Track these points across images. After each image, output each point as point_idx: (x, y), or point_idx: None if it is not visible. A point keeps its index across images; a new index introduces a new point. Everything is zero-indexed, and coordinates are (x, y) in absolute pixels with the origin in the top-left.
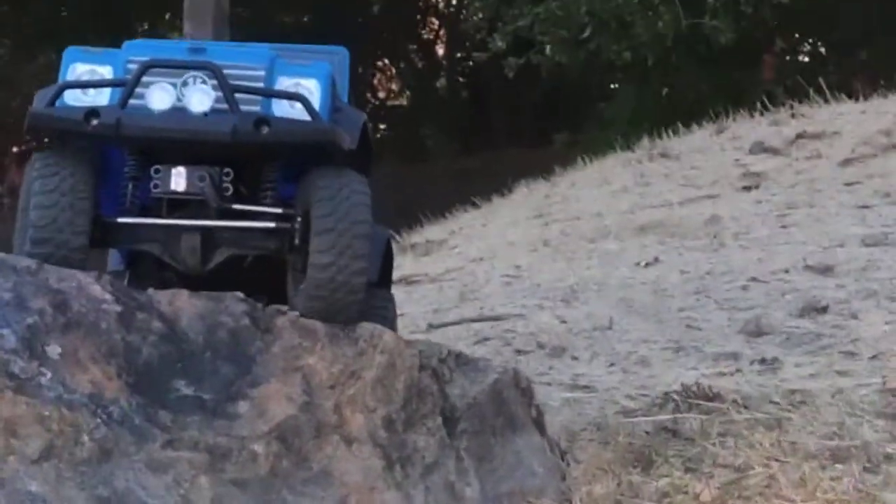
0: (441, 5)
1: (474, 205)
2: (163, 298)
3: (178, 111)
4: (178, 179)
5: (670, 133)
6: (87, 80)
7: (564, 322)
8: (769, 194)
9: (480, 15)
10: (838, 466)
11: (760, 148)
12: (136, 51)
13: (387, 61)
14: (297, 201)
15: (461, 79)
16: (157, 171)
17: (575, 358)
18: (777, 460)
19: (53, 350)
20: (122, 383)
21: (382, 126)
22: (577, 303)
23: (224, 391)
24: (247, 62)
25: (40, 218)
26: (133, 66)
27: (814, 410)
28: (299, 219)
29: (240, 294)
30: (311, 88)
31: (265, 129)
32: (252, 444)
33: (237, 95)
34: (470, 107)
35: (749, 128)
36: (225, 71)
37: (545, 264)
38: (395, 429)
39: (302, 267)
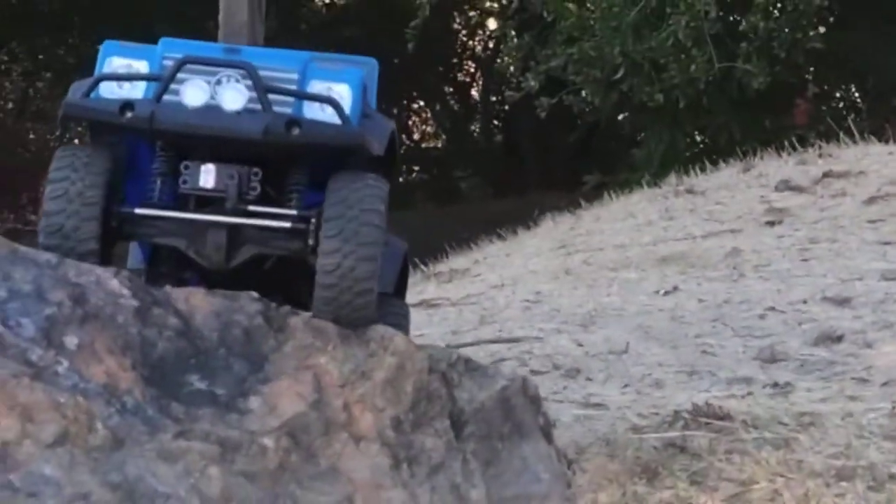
0: (478, 49)
1: (500, 237)
2: (179, 295)
3: (212, 108)
4: (207, 176)
5: (697, 171)
6: (122, 73)
7: (581, 345)
8: (792, 229)
9: (515, 54)
10: (843, 484)
11: (786, 186)
12: (173, 48)
13: (422, 103)
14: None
15: (496, 122)
16: (186, 168)
17: (589, 379)
18: (782, 476)
19: (71, 341)
20: (136, 375)
21: (416, 168)
22: (594, 327)
23: (236, 387)
24: (281, 65)
25: (47, 225)
26: (169, 63)
27: (822, 432)
28: (314, 220)
29: (254, 294)
30: (343, 93)
31: (296, 131)
32: (262, 438)
33: (270, 96)
34: (503, 151)
35: (776, 167)
36: (259, 72)
37: (565, 291)
38: (403, 429)
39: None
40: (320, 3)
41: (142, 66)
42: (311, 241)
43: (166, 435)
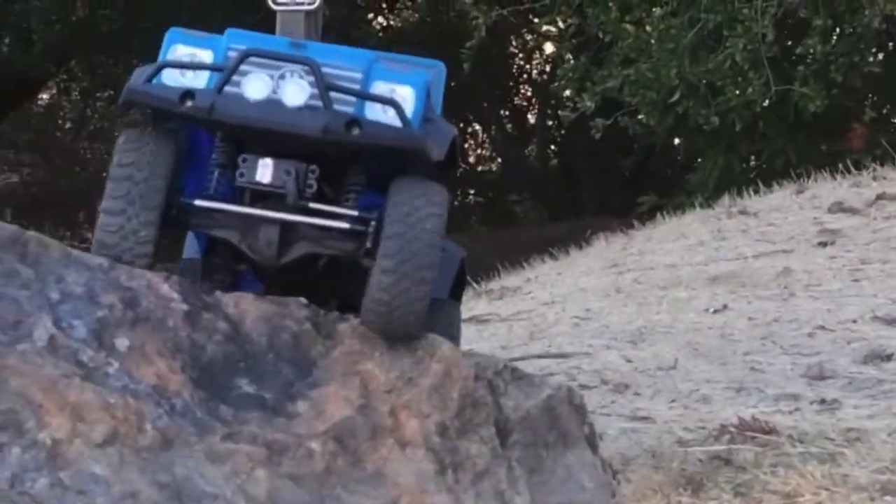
0: (534, 73)
1: (552, 256)
2: (229, 300)
3: (273, 103)
4: (265, 171)
5: (751, 192)
6: (186, 61)
7: (630, 361)
8: (844, 251)
9: (571, 75)
10: (888, 498)
11: (839, 208)
12: (238, 39)
13: (478, 127)
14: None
15: (551, 147)
16: (244, 161)
17: (637, 394)
18: (827, 490)
19: (121, 343)
20: (185, 378)
21: (471, 191)
22: (643, 344)
23: (284, 391)
24: (345, 63)
25: (106, 223)
26: (233, 54)
27: (868, 447)
28: (373, 223)
29: (303, 300)
30: (406, 96)
31: (356, 131)
32: (309, 441)
33: (332, 94)
34: (559, 175)
35: (829, 189)
36: (323, 69)
37: (615, 308)
38: (449, 435)
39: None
40: (377, 26)
41: (206, 56)
42: (368, 245)
43: (214, 437)
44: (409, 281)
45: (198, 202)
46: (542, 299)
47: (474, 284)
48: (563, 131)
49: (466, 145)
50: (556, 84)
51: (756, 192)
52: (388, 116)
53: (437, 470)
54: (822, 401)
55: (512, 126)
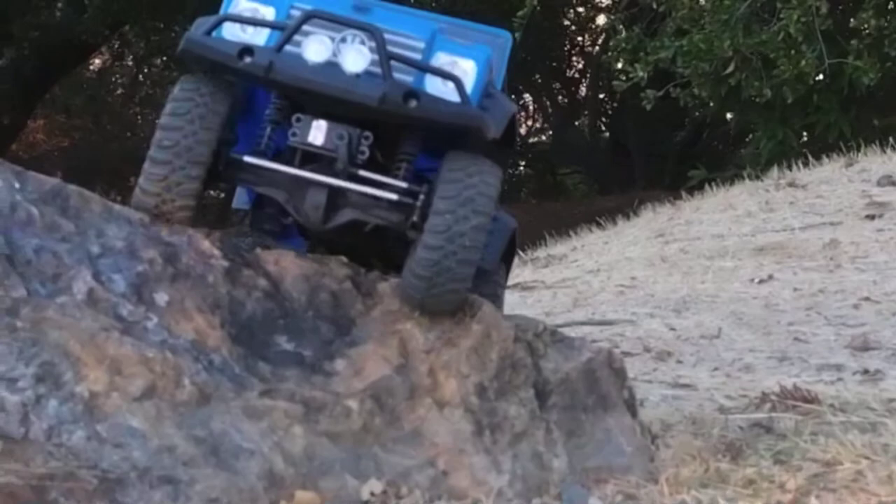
0: (587, 45)
1: (599, 226)
2: (269, 258)
3: (331, 66)
4: (318, 133)
5: (800, 165)
6: (247, 16)
7: (673, 329)
8: (892, 223)
9: (623, 45)
10: None
11: (889, 181)
12: None
13: (529, 98)
14: (433, 180)
15: (603, 119)
16: (297, 120)
17: (680, 362)
18: (867, 458)
19: (161, 298)
20: (224, 334)
21: (522, 163)
22: (687, 313)
23: (323, 349)
24: (409, 31)
25: (151, 172)
26: (295, 13)
27: None
28: (422, 196)
29: (343, 258)
30: (467, 70)
31: (413, 103)
32: (347, 400)
33: (392, 63)
34: (610, 148)
35: (879, 162)
36: (385, 36)
37: (660, 277)
38: (487, 396)
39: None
40: None
41: (268, 13)
42: (414, 218)
43: (252, 393)
44: (453, 260)
45: (247, 158)
46: (588, 267)
47: (520, 253)
48: (614, 104)
49: (517, 117)
50: (608, 55)
51: (805, 164)
52: (448, 90)
53: (475, 431)
54: (865, 371)
55: (563, 98)
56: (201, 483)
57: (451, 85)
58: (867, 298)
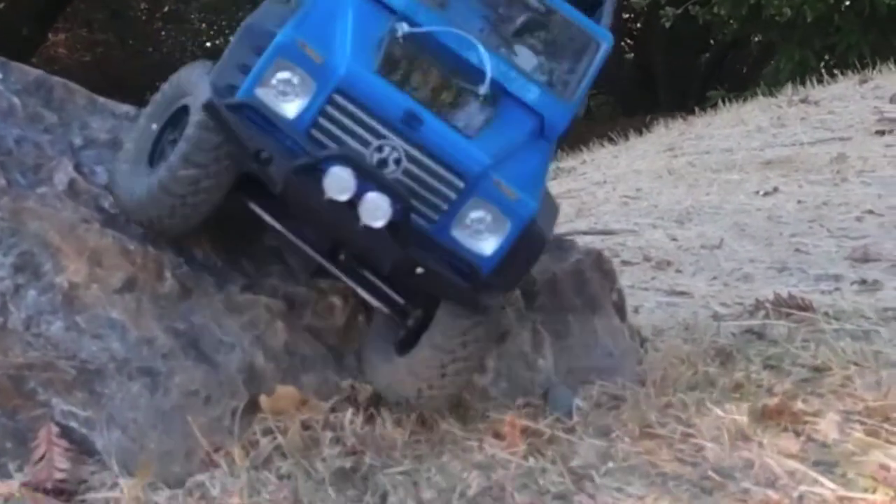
0: None
1: (611, 141)
2: None
3: (348, 210)
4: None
5: (814, 82)
6: (269, 104)
7: (675, 240)
8: None
9: None
10: None
11: None
12: (354, 85)
13: None
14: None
15: (627, 41)
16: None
17: (679, 271)
18: (857, 365)
19: None
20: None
21: None
22: (690, 224)
23: None
24: (453, 162)
25: (181, 174)
26: (339, 99)
27: None
28: (412, 320)
29: None
30: (488, 248)
31: (419, 271)
32: (331, 296)
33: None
34: (634, 71)
35: (893, 80)
36: (421, 169)
37: (666, 189)
38: None
39: (400, 346)
40: None
41: (306, 87)
42: (409, 323)
43: (234, 287)
44: (447, 380)
45: (252, 206)
46: (595, 179)
47: None
48: (638, 24)
49: None
50: None
51: (820, 81)
52: (473, 244)
53: None
54: (863, 281)
55: None
56: (180, 375)
57: (484, 242)
58: (870, 211)
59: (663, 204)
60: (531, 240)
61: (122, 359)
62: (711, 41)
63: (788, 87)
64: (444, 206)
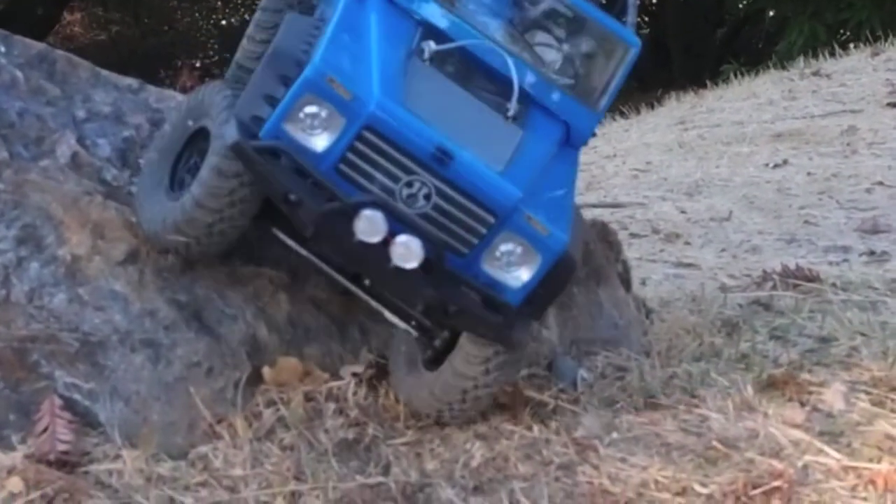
0: None
1: (622, 114)
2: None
3: (379, 252)
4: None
5: (826, 55)
6: (296, 144)
7: (684, 212)
8: None
9: None
10: None
11: None
12: (383, 123)
13: None
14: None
15: (644, 17)
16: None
17: (688, 243)
18: (863, 335)
19: None
20: None
21: None
22: (699, 196)
23: None
24: (486, 197)
25: (214, 189)
26: (369, 136)
27: None
28: (441, 338)
29: None
30: (522, 277)
31: (452, 309)
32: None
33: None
34: (651, 46)
35: None
36: (450, 200)
37: (675, 162)
38: None
39: (427, 363)
40: None
41: (335, 122)
42: (436, 344)
43: (237, 260)
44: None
45: (276, 231)
46: (605, 153)
47: None
48: (653, 0)
49: None
50: None
51: (832, 54)
52: (503, 277)
53: None
54: (872, 253)
55: None
56: (182, 347)
57: (518, 272)
58: (881, 183)
59: (673, 177)
60: (561, 268)
61: (124, 331)
62: (726, 16)
63: (800, 60)
64: (475, 241)
